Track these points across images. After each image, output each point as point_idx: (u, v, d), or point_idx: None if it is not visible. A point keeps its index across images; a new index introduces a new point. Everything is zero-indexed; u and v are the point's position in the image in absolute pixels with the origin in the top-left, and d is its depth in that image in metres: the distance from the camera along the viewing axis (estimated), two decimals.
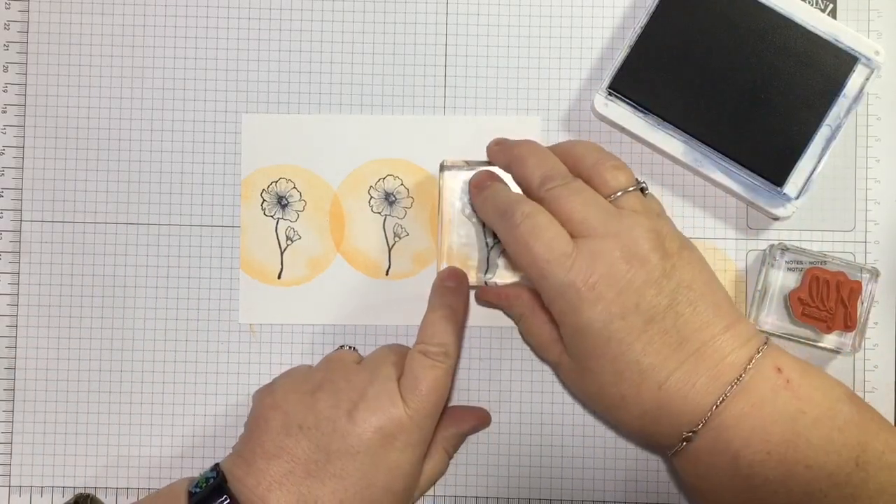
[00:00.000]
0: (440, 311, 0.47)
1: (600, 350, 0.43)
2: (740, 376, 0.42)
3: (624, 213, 0.44)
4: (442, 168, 0.50)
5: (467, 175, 0.49)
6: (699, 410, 0.42)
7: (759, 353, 0.43)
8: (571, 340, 0.44)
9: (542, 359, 0.50)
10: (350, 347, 0.50)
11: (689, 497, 0.50)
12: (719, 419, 0.42)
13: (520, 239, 0.43)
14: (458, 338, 0.47)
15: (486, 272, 0.50)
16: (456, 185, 0.50)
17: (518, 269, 0.49)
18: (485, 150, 0.49)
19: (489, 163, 0.49)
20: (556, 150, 0.47)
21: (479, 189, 0.47)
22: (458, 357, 0.48)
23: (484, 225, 0.50)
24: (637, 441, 0.51)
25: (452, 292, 0.48)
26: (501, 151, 0.48)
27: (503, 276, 0.50)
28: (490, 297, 0.50)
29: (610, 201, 0.44)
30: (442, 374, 0.45)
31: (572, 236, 0.43)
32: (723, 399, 0.42)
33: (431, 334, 0.46)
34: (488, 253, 0.50)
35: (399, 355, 0.46)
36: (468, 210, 0.50)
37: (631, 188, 0.45)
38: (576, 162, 0.46)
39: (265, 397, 0.46)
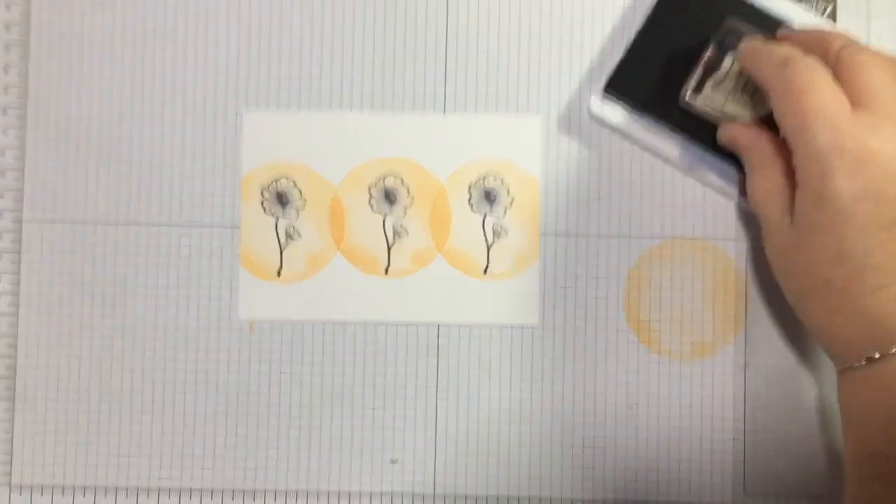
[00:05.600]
0: None
1: (833, 226, 0.40)
2: None
3: None
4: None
5: None
6: None
7: None
8: (805, 207, 0.41)
9: (756, 211, 0.45)
10: None
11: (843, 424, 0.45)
12: None
13: (794, 88, 0.41)
14: None
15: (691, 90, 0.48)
16: None
17: (783, 121, 0.43)
18: (487, 148, 0.50)
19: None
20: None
21: (757, 47, 0.45)
22: None
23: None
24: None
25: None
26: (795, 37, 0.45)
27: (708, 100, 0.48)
28: (733, 136, 0.46)
29: None
30: None
31: (852, 106, 0.40)
32: None
33: None
34: None
35: None
36: None
37: None
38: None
39: None
